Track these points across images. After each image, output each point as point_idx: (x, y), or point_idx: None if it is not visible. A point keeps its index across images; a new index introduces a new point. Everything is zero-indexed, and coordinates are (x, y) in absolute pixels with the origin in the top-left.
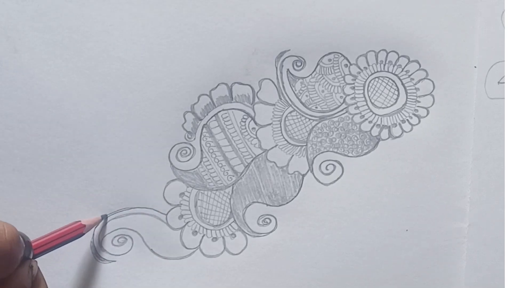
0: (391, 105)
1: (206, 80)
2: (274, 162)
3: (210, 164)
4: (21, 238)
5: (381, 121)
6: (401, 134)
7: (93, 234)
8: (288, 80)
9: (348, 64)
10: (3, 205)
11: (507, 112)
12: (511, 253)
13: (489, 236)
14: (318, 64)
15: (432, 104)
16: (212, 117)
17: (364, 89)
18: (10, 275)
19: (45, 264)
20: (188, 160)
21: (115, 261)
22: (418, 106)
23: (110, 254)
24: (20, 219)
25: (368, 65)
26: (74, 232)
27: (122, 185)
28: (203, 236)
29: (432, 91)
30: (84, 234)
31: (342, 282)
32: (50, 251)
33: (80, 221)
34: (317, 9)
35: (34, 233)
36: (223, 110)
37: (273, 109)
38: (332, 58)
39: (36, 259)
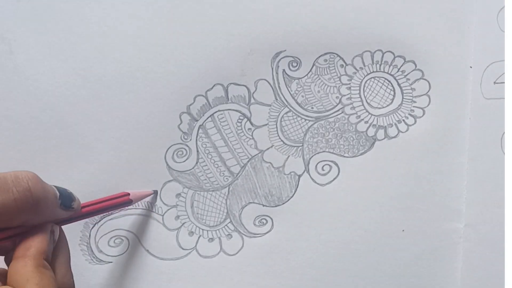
0: (387, 105)
1: (202, 81)
2: (270, 163)
3: (206, 165)
4: (52, 187)
5: (377, 122)
6: (397, 134)
7: (89, 235)
8: (284, 80)
9: (344, 65)
10: None
11: (507, 112)
12: (511, 253)
13: (485, 236)
14: (314, 65)
15: (428, 104)
16: (208, 117)
17: (360, 90)
18: (31, 236)
19: None
20: (184, 161)
21: (111, 262)
22: (414, 106)
23: (106, 255)
24: None
25: (364, 66)
26: (121, 199)
27: (118, 186)
28: (199, 237)
29: (428, 91)
30: (132, 202)
31: (338, 283)
32: (97, 213)
33: (128, 192)
34: (312, 9)
35: None
36: (219, 110)
37: (269, 110)
38: (328, 59)
39: (61, 226)
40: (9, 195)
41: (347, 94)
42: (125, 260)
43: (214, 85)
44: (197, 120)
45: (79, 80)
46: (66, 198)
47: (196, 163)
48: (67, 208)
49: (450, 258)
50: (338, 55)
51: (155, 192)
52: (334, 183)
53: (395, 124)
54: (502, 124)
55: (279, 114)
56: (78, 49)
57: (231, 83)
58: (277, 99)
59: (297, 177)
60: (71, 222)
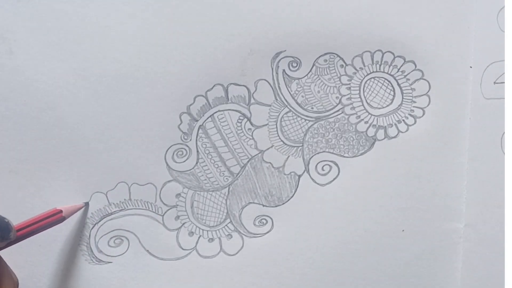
0: (387, 105)
1: (202, 81)
2: (270, 163)
3: (206, 165)
4: None
5: (377, 122)
6: (397, 134)
7: (89, 235)
8: (284, 80)
9: (344, 65)
10: (0, 207)
11: (507, 112)
12: (511, 253)
13: (485, 236)
14: (313, 65)
15: (428, 105)
16: (208, 118)
17: (360, 90)
18: None
19: (42, 265)
20: (184, 161)
21: (111, 262)
22: (414, 107)
23: (106, 255)
24: (17, 220)
25: (364, 66)
26: (54, 217)
27: (118, 186)
28: (199, 237)
29: (428, 91)
30: (65, 219)
31: (338, 283)
32: (31, 235)
33: (60, 209)
34: (312, 9)
35: None
36: (219, 111)
37: (269, 110)
38: (327, 59)
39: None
40: None
41: (347, 94)
42: (125, 260)
43: (214, 85)
44: (197, 120)
45: (79, 80)
46: (4, 230)
47: (196, 163)
48: (5, 239)
49: (450, 258)
50: (338, 55)
51: (86, 205)
52: (334, 183)
53: (395, 124)
54: (502, 124)
55: (279, 114)
56: (78, 49)
57: (231, 83)
58: (277, 99)
59: (297, 177)
60: (4, 248)
